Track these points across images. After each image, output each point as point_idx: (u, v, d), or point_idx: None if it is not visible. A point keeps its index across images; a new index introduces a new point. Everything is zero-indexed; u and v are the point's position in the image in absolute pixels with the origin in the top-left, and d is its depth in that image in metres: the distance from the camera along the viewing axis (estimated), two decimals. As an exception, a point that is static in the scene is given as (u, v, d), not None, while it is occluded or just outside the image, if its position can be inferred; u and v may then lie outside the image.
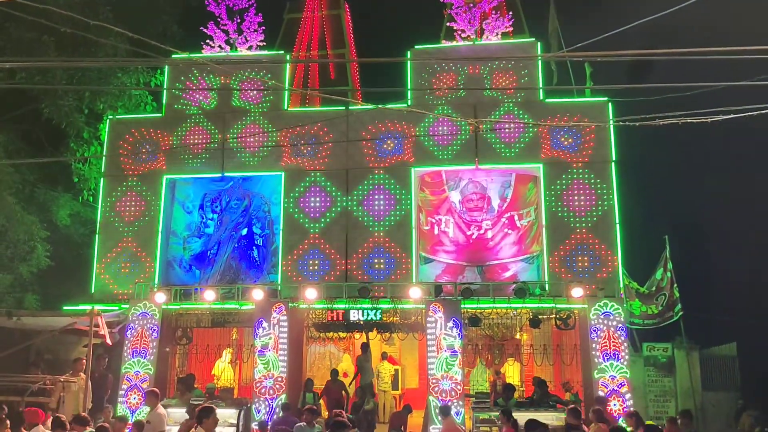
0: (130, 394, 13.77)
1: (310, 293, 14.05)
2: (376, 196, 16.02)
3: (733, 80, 8.39)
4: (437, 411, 12.72)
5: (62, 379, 12.27)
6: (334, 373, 14.92)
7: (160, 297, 14.35)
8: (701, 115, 8.10)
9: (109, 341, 13.23)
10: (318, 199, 16.15)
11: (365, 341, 15.67)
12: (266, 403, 13.39)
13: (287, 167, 16.37)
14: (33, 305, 17.18)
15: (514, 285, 14.24)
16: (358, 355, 15.55)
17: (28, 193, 17.64)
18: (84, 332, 13.17)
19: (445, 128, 16.06)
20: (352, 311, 14.49)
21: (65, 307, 15.12)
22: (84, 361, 12.70)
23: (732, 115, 8.04)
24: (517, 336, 15.92)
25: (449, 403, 12.68)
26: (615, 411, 12.78)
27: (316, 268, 15.78)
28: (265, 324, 13.79)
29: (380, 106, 15.43)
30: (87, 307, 13.43)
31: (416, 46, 16.76)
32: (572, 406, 11.05)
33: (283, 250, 15.99)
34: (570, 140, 15.63)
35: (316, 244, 15.90)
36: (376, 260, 15.65)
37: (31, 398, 11.68)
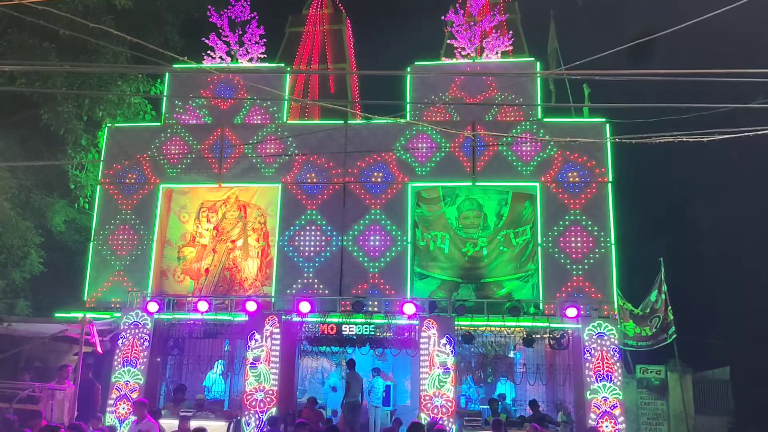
0: (119, 404, 13.66)
1: (304, 306, 13.99)
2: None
3: (731, 101, 8.44)
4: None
5: (51, 387, 12.16)
6: (312, 401, 14.66)
7: (153, 306, 14.27)
8: (698, 134, 8.14)
9: (100, 350, 13.15)
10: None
11: (352, 357, 15.49)
12: (256, 416, 13.29)
13: (284, 179, 16.36)
14: (25, 311, 17.08)
15: (509, 303, 14.22)
16: (348, 372, 15.37)
17: (24, 198, 17.59)
18: (75, 340, 13.08)
19: (446, 143, 16.08)
20: (345, 326, 14.42)
21: (57, 314, 15.04)
22: (70, 368, 12.61)
23: (728, 136, 8.08)
24: (511, 354, 15.87)
25: (440, 421, 12.60)
26: (607, 433, 12.73)
27: (310, 281, 15.71)
28: (257, 336, 13.72)
29: (371, 117, 15.32)
30: (79, 315, 13.37)
31: (416, 62, 16.84)
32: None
33: (278, 262, 15.94)
34: (567, 161, 15.64)
35: (311, 258, 15.84)
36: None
37: (20, 405, 11.56)
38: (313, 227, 15.99)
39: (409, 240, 15.76)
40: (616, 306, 14.88)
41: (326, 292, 15.54)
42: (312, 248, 15.89)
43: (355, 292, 15.37)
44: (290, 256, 15.90)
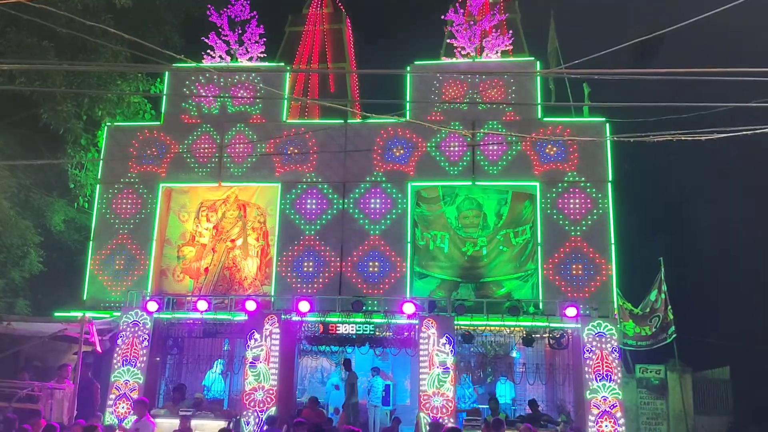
0: (119, 403, 13.64)
1: (303, 306, 13.98)
2: (373, 200, 15.98)
3: (732, 100, 8.43)
4: (428, 428, 12.61)
5: (50, 386, 12.16)
6: (313, 400, 14.64)
7: (152, 306, 14.26)
8: (697, 133, 8.13)
9: (99, 349, 13.14)
10: (314, 201, 16.13)
11: (348, 357, 15.44)
12: (256, 415, 13.28)
13: (284, 178, 16.36)
14: (24, 311, 17.05)
15: (508, 303, 14.21)
16: (348, 373, 15.28)
17: (23, 197, 17.56)
18: (74, 339, 13.07)
19: (451, 144, 16.06)
20: (344, 325, 14.41)
21: (56, 314, 15.02)
22: (69, 367, 12.60)
23: (726, 134, 8.07)
24: (513, 354, 15.87)
25: (440, 420, 12.60)
26: (607, 432, 12.73)
27: (310, 276, 15.70)
28: (257, 335, 13.71)
29: (375, 116, 15.33)
30: (78, 314, 13.36)
31: (416, 62, 16.82)
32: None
33: (278, 262, 15.93)
34: (567, 160, 15.64)
35: (311, 246, 15.86)
36: (371, 263, 15.58)
37: (19, 404, 11.56)
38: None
39: (409, 239, 15.76)
40: (615, 305, 14.88)
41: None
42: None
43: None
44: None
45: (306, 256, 15.89)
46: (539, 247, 15.38)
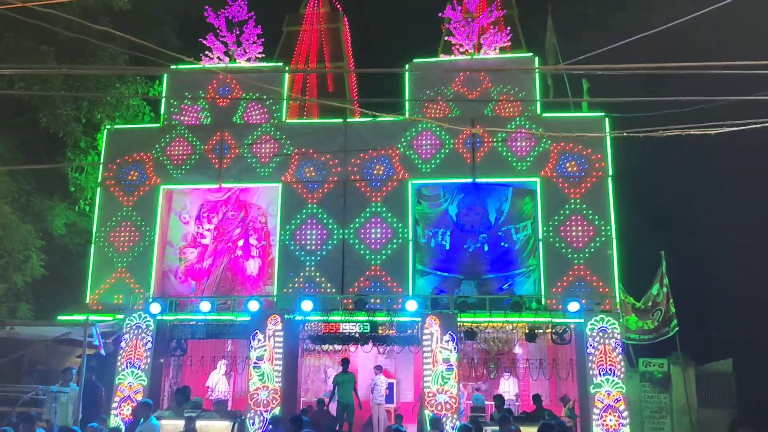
0: (123, 406, 13.66)
1: (306, 305, 14.00)
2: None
3: (736, 94, 8.43)
4: (430, 424, 12.64)
5: (55, 390, 12.17)
6: (320, 402, 14.69)
7: (155, 308, 14.28)
8: (705, 127, 8.14)
9: (103, 352, 13.15)
10: (314, 225, 16.02)
11: (346, 357, 15.42)
12: (260, 415, 13.30)
13: (284, 179, 16.36)
14: (27, 315, 17.08)
15: (511, 299, 14.22)
16: (339, 373, 15.11)
17: (24, 202, 17.59)
18: (78, 343, 13.09)
19: (453, 141, 16.07)
20: (347, 324, 14.43)
21: (59, 317, 15.03)
22: (73, 371, 12.61)
23: (735, 128, 8.07)
24: (516, 350, 15.88)
25: (444, 418, 12.63)
26: (611, 426, 12.75)
27: (312, 279, 15.70)
28: (260, 336, 13.73)
29: (376, 115, 15.35)
30: (81, 318, 13.37)
31: (414, 60, 16.82)
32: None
33: (280, 262, 15.95)
34: (567, 155, 15.65)
35: (312, 277, 15.84)
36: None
37: (23, 408, 11.58)
38: (314, 221, 16.02)
39: (410, 237, 15.77)
40: (618, 300, 14.90)
41: (328, 284, 15.61)
42: (313, 242, 15.93)
43: (357, 285, 15.45)
44: (291, 250, 15.92)
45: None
46: (540, 243, 15.39)
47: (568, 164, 15.58)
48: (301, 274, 15.80)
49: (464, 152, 15.98)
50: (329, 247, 15.88)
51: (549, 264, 15.24)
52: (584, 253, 15.14)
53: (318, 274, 15.74)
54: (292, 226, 16.07)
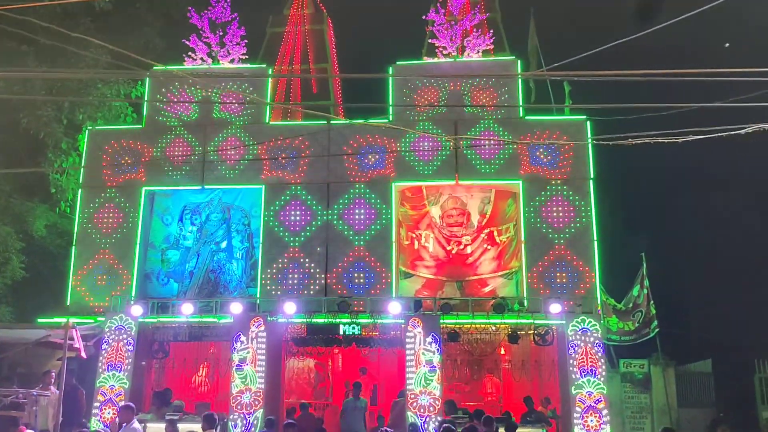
0: (105, 409, 13.57)
1: (289, 307, 13.99)
2: (357, 210, 16.00)
3: (713, 100, 8.57)
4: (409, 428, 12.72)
5: (35, 393, 12.07)
6: (304, 407, 14.62)
7: (137, 310, 14.21)
8: (673, 134, 8.26)
9: (83, 354, 13.06)
10: (298, 212, 16.09)
11: (359, 381, 15.12)
12: (243, 418, 13.27)
13: (267, 180, 16.34)
14: (7, 317, 16.93)
15: (493, 300, 14.32)
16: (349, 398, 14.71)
17: (4, 203, 17.41)
18: (58, 345, 12.97)
19: (426, 144, 16.13)
20: (331, 326, 14.44)
21: (39, 320, 14.89)
22: (53, 374, 12.51)
23: (703, 136, 8.20)
24: (502, 351, 15.96)
25: (427, 419, 12.69)
26: (592, 427, 12.87)
27: (295, 282, 15.69)
28: (243, 338, 13.69)
29: (361, 120, 15.50)
30: (62, 320, 13.25)
31: (398, 62, 16.86)
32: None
33: (263, 264, 15.92)
34: (549, 157, 15.77)
35: (296, 258, 15.83)
36: (356, 274, 15.57)
37: (4, 412, 11.47)
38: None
39: (393, 239, 15.81)
40: (599, 301, 15.03)
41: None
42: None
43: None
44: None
45: (291, 268, 15.90)
46: (523, 245, 15.50)
47: (550, 170, 15.68)
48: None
49: (447, 154, 16.04)
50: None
51: (531, 264, 15.31)
52: (567, 240, 15.24)
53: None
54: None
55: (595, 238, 15.27)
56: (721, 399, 16.81)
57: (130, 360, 13.95)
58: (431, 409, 13.09)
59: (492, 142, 15.83)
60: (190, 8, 17.26)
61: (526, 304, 14.80)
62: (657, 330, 16.22)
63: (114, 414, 13.27)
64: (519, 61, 17.08)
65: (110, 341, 14.03)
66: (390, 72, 16.49)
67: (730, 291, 22.72)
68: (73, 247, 16.36)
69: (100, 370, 13.88)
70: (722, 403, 16.72)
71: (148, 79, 17.27)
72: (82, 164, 16.91)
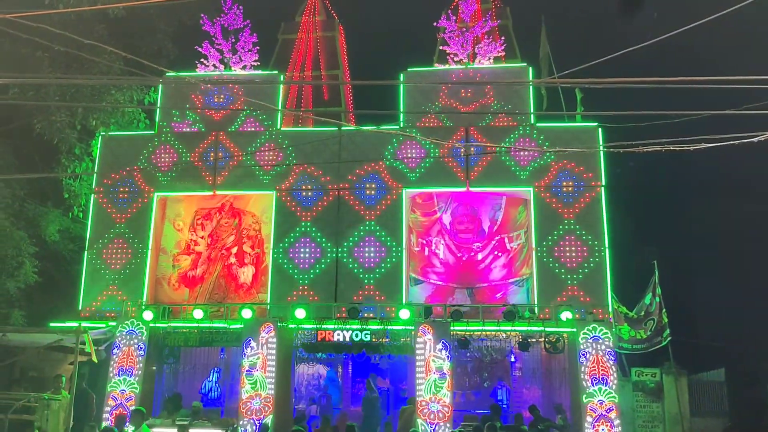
0: (115, 413, 13.60)
1: (300, 313, 14.00)
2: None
3: (726, 107, 8.51)
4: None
5: (46, 397, 12.13)
6: (300, 415, 14.66)
7: (148, 315, 14.27)
8: (685, 142, 8.21)
9: (95, 359, 13.12)
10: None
11: (370, 377, 15.38)
12: (253, 423, 13.27)
13: (279, 186, 16.37)
14: (19, 321, 17.01)
15: (504, 308, 14.26)
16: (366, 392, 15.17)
17: (18, 208, 17.53)
18: (70, 349, 13.05)
19: (436, 151, 16.12)
20: (341, 332, 14.43)
21: (52, 324, 14.98)
22: (65, 378, 12.57)
23: (715, 144, 8.14)
24: (512, 359, 15.88)
25: (436, 426, 12.63)
26: (603, 436, 12.78)
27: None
28: (253, 343, 13.71)
29: (372, 127, 15.49)
30: (74, 324, 13.34)
31: (409, 68, 16.87)
32: None
33: (273, 269, 15.95)
34: (560, 164, 15.71)
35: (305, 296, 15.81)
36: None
37: (15, 416, 11.54)
38: (308, 239, 15.98)
39: (404, 245, 15.78)
40: (610, 309, 14.94)
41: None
42: (306, 260, 15.87)
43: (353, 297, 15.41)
44: (285, 268, 15.89)
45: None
46: (534, 252, 15.43)
47: (563, 176, 15.62)
48: (294, 292, 15.71)
49: (458, 161, 16.02)
50: (323, 266, 15.85)
51: (542, 271, 15.24)
52: (577, 269, 15.15)
53: (312, 293, 15.67)
54: (286, 244, 16.07)
55: (606, 245, 15.20)
56: (734, 409, 16.63)
57: (141, 365, 14.01)
58: (441, 416, 13.04)
59: (503, 149, 15.78)
60: (202, 15, 17.38)
61: (536, 311, 14.73)
62: (669, 338, 16.05)
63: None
64: (530, 68, 17.05)
65: (121, 346, 14.09)
66: (401, 78, 16.52)
67: (743, 299, 22.51)
68: (85, 252, 16.46)
69: (111, 374, 13.94)
70: (735, 412, 16.54)
71: (161, 85, 17.37)
72: (95, 170, 17.01)
